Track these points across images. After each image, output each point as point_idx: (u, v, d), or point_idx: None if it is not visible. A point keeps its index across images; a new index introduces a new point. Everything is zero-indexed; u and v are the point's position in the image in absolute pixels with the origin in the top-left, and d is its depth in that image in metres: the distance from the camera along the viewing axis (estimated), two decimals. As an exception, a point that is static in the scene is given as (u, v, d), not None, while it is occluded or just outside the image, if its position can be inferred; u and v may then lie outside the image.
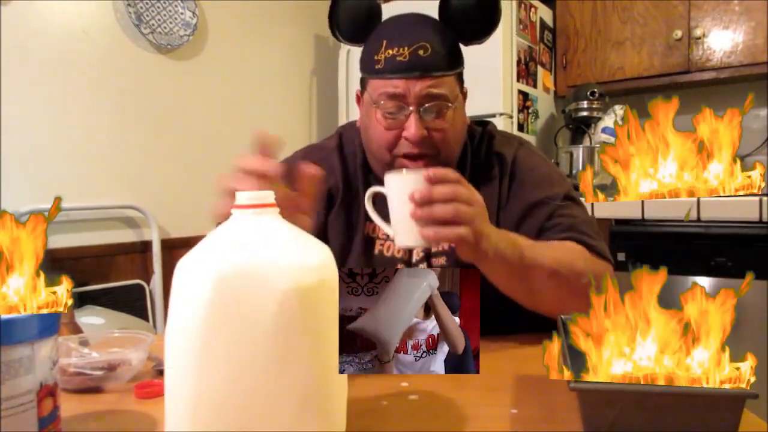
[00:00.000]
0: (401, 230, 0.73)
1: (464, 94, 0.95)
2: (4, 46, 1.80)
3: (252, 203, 0.48)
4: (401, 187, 0.71)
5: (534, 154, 1.01)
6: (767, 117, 2.23)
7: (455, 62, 0.90)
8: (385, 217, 0.77)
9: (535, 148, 1.06)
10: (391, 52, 0.86)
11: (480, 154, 0.98)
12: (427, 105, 0.86)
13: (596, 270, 0.85)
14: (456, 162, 0.94)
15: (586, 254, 0.86)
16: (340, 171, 0.99)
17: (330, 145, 1.03)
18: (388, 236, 0.96)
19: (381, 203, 0.77)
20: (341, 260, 0.97)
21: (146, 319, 2.10)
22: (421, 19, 0.90)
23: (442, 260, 0.95)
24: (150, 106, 2.19)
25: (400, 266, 0.95)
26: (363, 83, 0.95)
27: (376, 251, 0.97)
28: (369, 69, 0.91)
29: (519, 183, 0.94)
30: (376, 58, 0.88)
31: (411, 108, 0.86)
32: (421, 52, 0.85)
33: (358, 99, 0.99)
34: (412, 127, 0.86)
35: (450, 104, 0.88)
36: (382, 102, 0.88)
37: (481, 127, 1.03)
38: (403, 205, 0.70)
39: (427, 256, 0.96)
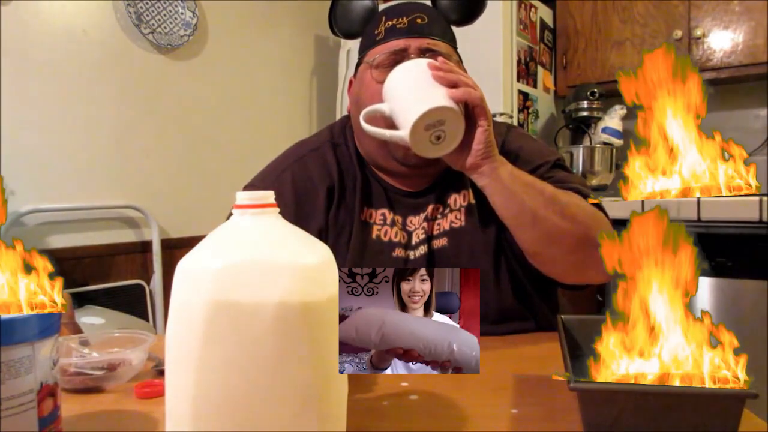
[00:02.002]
0: (423, 99, 0.77)
1: None
2: (4, 46, 1.80)
3: (252, 203, 0.48)
4: (416, 65, 0.82)
5: (522, 135, 1.03)
6: (767, 117, 2.23)
7: (451, 36, 0.95)
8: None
9: (523, 130, 1.08)
10: (390, 22, 0.91)
11: None
12: (428, 54, 0.89)
13: (596, 213, 0.87)
14: None
15: (583, 199, 0.88)
16: (335, 164, 1.00)
17: (321, 139, 1.04)
18: (384, 221, 0.97)
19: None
20: (342, 249, 0.96)
21: (146, 319, 2.10)
22: (416, 2, 0.95)
23: (443, 241, 0.95)
24: (150, 106, 2.19)
25: (398, 251, 0.95)
26: (359, 63, 0.97)
27: (373, 236, 0.96)
28: (369, 43, 0.94)
29: (511, 161, 0.96)
30: (376, 31, 0.92)
31: (412, 56, 0.88)
32: (419, 20, 0.90)
33: (350, 86, 1.00)
34: None
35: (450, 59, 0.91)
36: (380, 57, 0.90)
37: None
38: (417, 83, 0.79)
39: (428, 238, 0.95)
